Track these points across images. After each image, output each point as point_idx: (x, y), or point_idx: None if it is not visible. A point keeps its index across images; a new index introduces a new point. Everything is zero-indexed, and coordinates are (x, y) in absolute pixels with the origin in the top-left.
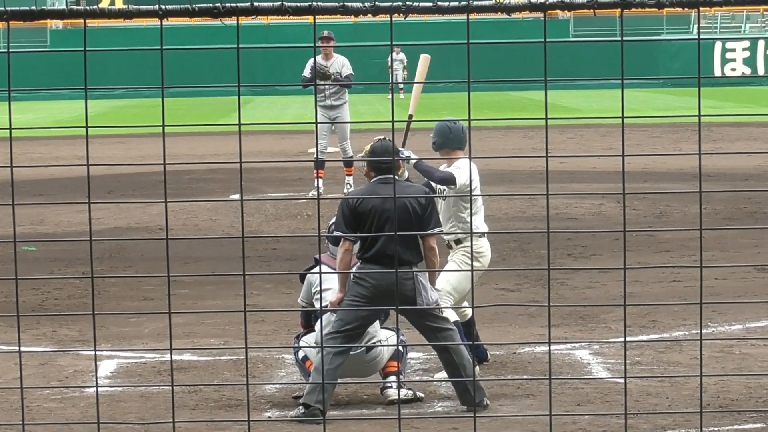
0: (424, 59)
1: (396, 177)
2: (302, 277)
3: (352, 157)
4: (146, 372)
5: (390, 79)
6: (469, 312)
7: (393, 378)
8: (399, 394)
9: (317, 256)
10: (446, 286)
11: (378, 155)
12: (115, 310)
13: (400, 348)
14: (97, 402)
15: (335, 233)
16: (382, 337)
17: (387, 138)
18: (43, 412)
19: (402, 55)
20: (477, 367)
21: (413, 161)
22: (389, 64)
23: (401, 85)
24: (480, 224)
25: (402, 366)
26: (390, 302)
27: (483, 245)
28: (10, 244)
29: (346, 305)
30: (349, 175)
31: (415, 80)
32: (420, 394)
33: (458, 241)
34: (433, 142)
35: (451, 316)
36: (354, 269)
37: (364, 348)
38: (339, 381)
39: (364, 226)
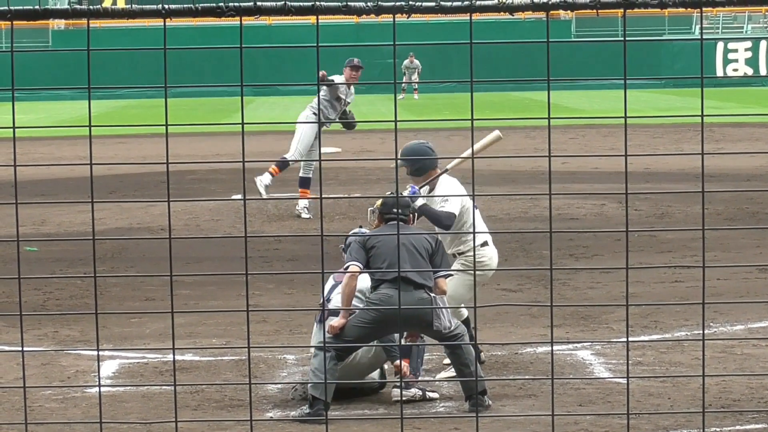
0: (495, 136)
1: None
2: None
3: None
4: (148, 372)
5: (402, 79)
6: (465, 312)
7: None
8: (401, 394)
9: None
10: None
11: (389, 207)
12: (117, 310)
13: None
14: (100, 402)
15: (347, 262)
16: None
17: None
18: (45, 413)
19: (417, 62)
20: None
21: (418, 204)
22: (404, 71)
23: (404, 86)
24: (479, 235)
25: (415, 364)
26: (405, 323)
27: (485, 254)
28: (12, 244)
29: (354, 324)
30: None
31: (474, 149)
32: (431, 395)
33: (461, 252)
34: (416, 168)
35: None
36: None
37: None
38: (339, 381)
39: (377, 259)
